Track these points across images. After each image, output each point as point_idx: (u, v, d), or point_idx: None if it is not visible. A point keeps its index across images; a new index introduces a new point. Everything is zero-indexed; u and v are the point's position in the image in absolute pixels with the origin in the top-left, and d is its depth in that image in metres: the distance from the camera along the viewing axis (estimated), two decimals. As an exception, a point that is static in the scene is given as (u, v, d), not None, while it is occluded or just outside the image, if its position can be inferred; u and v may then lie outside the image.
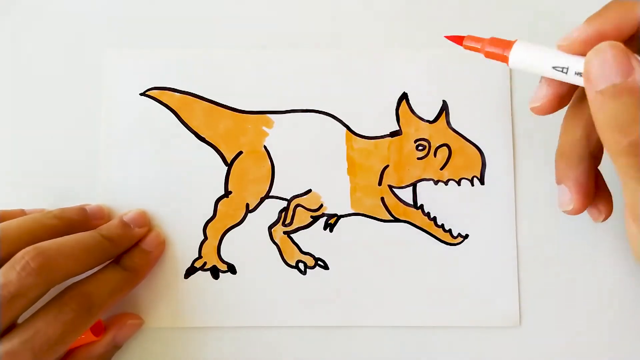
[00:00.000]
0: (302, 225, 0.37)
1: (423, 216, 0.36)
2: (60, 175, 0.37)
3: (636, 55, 0.23)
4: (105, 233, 0.33)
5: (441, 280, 0.36)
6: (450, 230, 0.36)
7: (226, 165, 0.37)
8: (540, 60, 0.26)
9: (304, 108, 0.37)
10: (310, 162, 0.37)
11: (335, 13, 0.38)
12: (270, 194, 0.37)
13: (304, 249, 0.36)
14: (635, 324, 0.35)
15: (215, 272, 0.36)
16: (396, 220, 0.36)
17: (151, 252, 0.35)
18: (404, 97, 0.37)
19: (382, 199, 0.36)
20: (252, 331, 0.36)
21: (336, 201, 0.37)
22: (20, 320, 0.30)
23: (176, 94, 0.37)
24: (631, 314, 0.36)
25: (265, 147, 0.37)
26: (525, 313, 0.36)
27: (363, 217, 0.36)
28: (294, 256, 0.36)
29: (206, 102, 0.37)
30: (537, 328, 0.36)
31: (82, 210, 0.35)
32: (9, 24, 0.38)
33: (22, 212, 0.34)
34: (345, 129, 0.37)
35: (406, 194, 0.37)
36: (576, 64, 0.25)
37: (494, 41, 0.28)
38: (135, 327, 0.35)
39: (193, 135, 0.37)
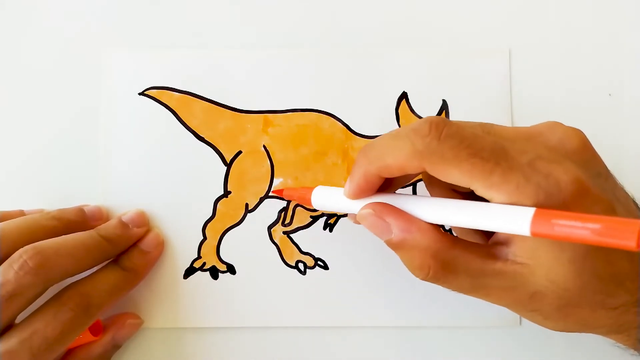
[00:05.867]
0: (301, 225, 0.36)
1: (423, 216, 0.36)
2: (60, 176, 0.37)
3: (390, 210, 0.27)
4: (104, 233, 0.33)
5: (441, 280, 0.36)
6: (450, 230, 0.36)
7: (225, 165, 0.37)
8: (334, 205, 0.31)
9: (304, 107, 0.37)
10: (310, 162, 0.37)
11: (335, 13, 0.38)
12: (270, 194, 0.37)
13: (303, 249, 0.36)
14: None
15: (214, 273, 0.36)
16: (396, 220, 0.36)
17: (150, 252, 0.35)
18: (404, 96, 0.37)
19: (382, 198, 0.36)
20: (251, 331, 0.36)
21: (336, 201, 0.36)
22: (18, 320, 0.30)
23: (175, 93, 0.37)
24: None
25: (264, 146, 0.37)
26: (526, 313, 0.36)
27: (363, 217, 0.36)
28: (293, 256, 0.36)
29: (205, 102, 0.37)
30: (537, 328, 0.35)
31: (80, 211, 0.34)
32: (8, 23, 0.38)
33: (21, 213, 0.34)
34: (345, 128, 0.37)
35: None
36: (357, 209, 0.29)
37: (301, 190, 0.34)
38: (134, 326, 0.35)
39: (192, 135, 0.37)
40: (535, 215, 0.22)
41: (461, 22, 0.38)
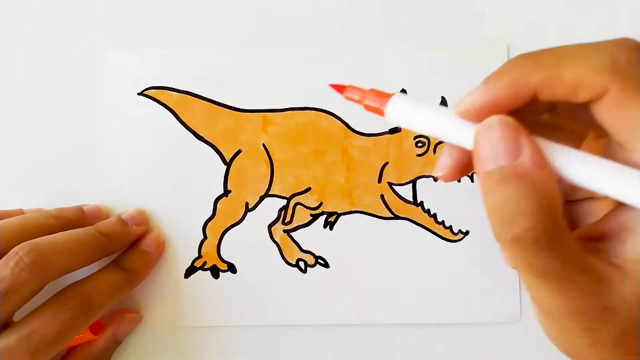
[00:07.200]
0: (302, 223, 0.36)
1: (423, 213, 0.36)
2: (59, 175, 0.37)
3: (527, 134, 0.21)
4: (102, 229, 0.33)
5: (442, 277, 0.36)
6: (450, 227, 0.36)
7: (225, 164, 0.37)
8: (425, 122, 0.23)
9: (303, 106, 0.37)
10: (310, 160, 0.37)
11: (333, 11, 0.38)
12: (270, 193, 0.37)
13: (304, 248, 0.36)
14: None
15: (215, 272, 0.36)
16: (396, 217, 0.36)
17: (151, 252, 0.35)
18: (403, 93, 0.37)
19: (382, 196, 0.36)
20: (252, 330, 0.36)
21: (336, 199, 0.36)
22: (18, 319, 0.30)
23: (174, 93, 0.37)
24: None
25: (264, 145, 0.37)
26: (526, 308, 0.35)
27: (363, 215, 0.36)
28: (294, 255, 0.36)
29: (204, 101, 0.37)
30: (538, 323, 0.35)
31: (79, 210, 0.35)
32: (7, 23, 0.38)
33: (20, 212, 0.35)
34: (344, 126, 0.37)
35: (406, 191, 0.36)
36: (460, 134, 0.22)
37: (374, 93, 0.25)
38: (134, 321, 0.35)
39: (192, 135, 0.37)
40: None
41: (459, 17, 0.38)
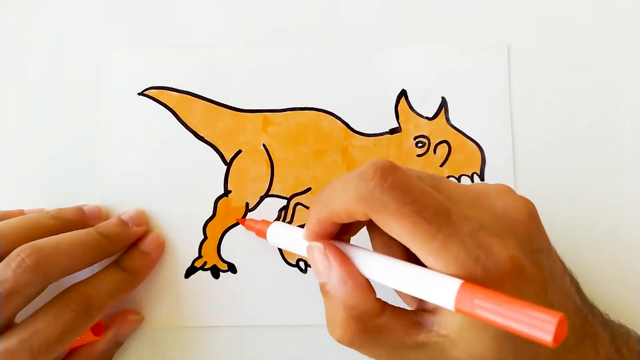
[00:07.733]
0: (302, 223, 0.36)
1: (423, 213, 0.36)
2: (60, 176, 0.37)
3: (337, 255, 0.26)
4: (103, 230, 0.33)
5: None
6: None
7: (225, 165, 0.37)
8: (288, 244, 0.31)
9: (303, 106, 0.37)
10: (310, 160, 0.37)
11: (333, 11, 0.38)
12: (270, 193, 0.37)
13: (304, 248, 0.36)
14: (634, 323, 0.35)
15: (215, 272, 0.36)
16: (396, 217, 0.36)
17: (151, 253, 0.35)
18: (403, 94, 0.37)
19: (382, 196, 0.36)
20: (252, 330, 0.36)
21: (336, 199, 0.36)
22: (19, 321, 0.30)
23: (174, 93, 0.37)
24: (631, 313, 0.35)
25: (264, 145, 0.37)
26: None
27: (363, 215, 0.36)
28: (294, 255, 0.36)
29: (204, 101, 0.37)
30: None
31: (79, 210, 0.35)
32: (8, 24, 0.38)
33: (21, 213, 0.35)
34: (344, 126, 0.37)
35: (406, 191, 0.36)
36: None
37: (261, 224, 0.33)
38: (135, 323, 0.35)
39: (192, 135, 0.37)
40: (460, 290, 0.21)
41: (460, 19, 0.38)
